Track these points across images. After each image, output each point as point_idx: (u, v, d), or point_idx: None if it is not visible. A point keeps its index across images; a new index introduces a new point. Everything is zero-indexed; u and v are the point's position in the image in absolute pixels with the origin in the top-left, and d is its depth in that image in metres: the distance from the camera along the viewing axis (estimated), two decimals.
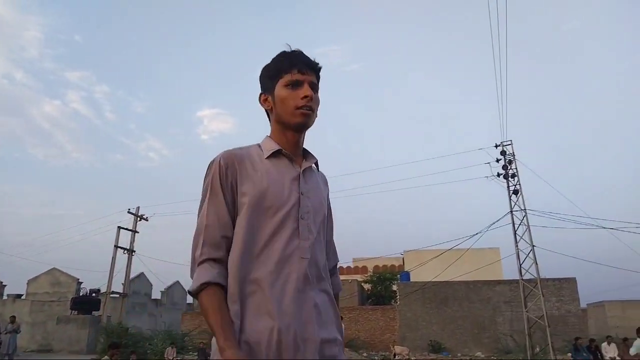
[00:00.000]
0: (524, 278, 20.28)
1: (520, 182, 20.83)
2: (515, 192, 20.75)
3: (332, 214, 1.72)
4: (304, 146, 1.64)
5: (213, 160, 1.50)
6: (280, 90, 1.56)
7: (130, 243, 26.94)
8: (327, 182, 1.74)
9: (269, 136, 1.62)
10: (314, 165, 1.63)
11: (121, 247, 26.40)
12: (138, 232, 27.42)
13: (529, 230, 19.90)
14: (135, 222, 27.41)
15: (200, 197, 1.50)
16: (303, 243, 1.45)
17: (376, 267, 38.15)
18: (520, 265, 20.25)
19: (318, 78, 1.61)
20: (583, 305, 27.67)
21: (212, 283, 1.35)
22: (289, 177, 1.52)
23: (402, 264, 35.39)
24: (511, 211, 20.64)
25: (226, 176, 1.47)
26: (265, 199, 1.44)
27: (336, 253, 1.74)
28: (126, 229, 26.85)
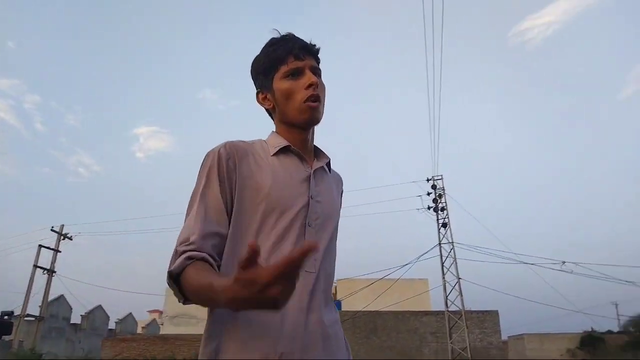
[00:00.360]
0: (449, 309, 20.91)
1: (449, 216, 21.71)
2: (444, 225, 21.58)
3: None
4: (314, 144, 1.46)
5: (212, 150, 1.30)
6: (279, 83, 1.37)
7: (51, 263, 25.45)
8: (341, 181, 1.54)
9: (275, 132, 1.43)
10: (325, 165, 1.44)
11: (41, 267, 24.88)
12: (60, 252, 26.01)
13: (456, 262, 20.68)
14: (58, 240, 26.00)
15: (189, 199, 1.30)
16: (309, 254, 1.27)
17: None
18: (447, 296, 20.91)
19: (318, 61, 1.43)
20: (504, 337, 28.77)
21: (197, 257, 1.13)
22: (298, 177, 1.33)
23: (334, 292, 35.53)
24: (439, 243, 21.39)
25: (226, 168, 1.27)
26: (268, 201, 1.25)
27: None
28: (48, 247, 25.42)
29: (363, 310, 25.86)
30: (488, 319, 26.44)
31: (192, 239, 1.17)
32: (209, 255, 1.16)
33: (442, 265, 21.04)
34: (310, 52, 1.40)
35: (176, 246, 1.18)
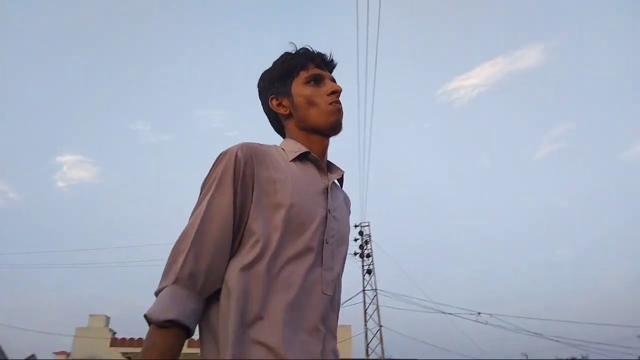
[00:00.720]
0: (370, 357, 20.92)
1: (375, 263, 22.03)
2: (369, 271, 21.84)
3: None
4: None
5: (227, 151, 1.16)
6: (300, 88, 1.31)
7: None
8: (349, 204, 1.41)
9: (290, 138, 1.32)
10: (336, 181, 1.33)
11: None
12: None
13: (378, 310, 20.87)
14: None
15: (198, 195, 1.15)
16: (326, 274, 1.13)
17: None
18: (367, 344, 20.96)
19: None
20: None
21: (179, 324, 0.97)
22: (317, 188, 1.22)
23: None
24: (363, 290, 21.56)
25: (243, 173, 1.12)
26: (290, 212, 1.11)
27: None
28: None
29: None
30: None
31: (188, 261, 1.02)
32: (193, 309, 1.01)
33: (365, 312, 21.17)
34: (329, 65, 1.37)
35: (168, 260, 1.04)
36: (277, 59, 1.37)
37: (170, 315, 0.96)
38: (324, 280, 1.12)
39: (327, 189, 1.24)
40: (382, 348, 20.47)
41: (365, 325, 21.00)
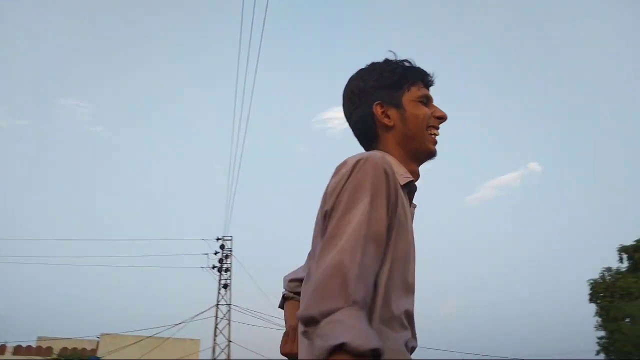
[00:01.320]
0: None
1: (232, 277, 21.85)
2: (225, 286, 21.61)
3: None
4: None
5: (368, 160, 1.03)
6: (413, 105, 1.23)
7: None
8: None
9: (386, 154, 1.16)
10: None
11: None
12: None
13: (229, 325, 20.70)
14: None
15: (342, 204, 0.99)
16: (414, 325, 1.10)
17: (64, 349, 33.75)
18: (214, 359, 20.64)
19: None
20: None
21: (378, 352, 0.81)
22: (409, 215, 1.14)
23: (95, 347, 32.23)
24: (217, 304, 21.26)
25: (395, 197, 1.03)
26: (409, 244, 1.08)
27: None
28: None
29: None
30: None
31: (361, 284, 0.88)
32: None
33: (216, 327, 20.85)
34: (431, 85, 1.30)
35: (331, 283, 0.87)
36: (382, 65, 1.27)
37: (376, 343, 0.81)
38: (414, 332, 1.10)
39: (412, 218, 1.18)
40: None
41: (214, 340, 20.68)
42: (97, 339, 30.58)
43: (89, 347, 34.83)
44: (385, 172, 1.02)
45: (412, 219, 1.16)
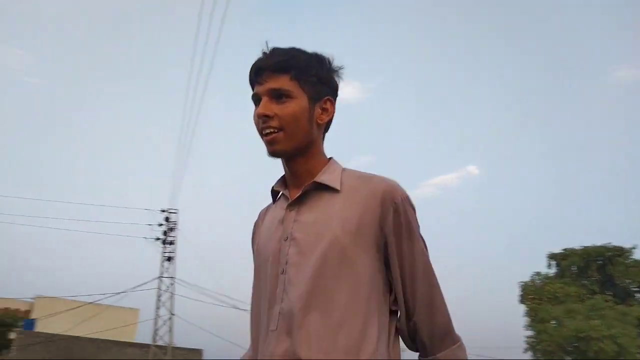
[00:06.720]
0: (157, 344, 20.69)
1: (177, 251, 21.79)
2: (169, 259, 21.54)
3: (402, 243, 1.08)
4: (333, 162, 1.18)
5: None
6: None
7: None
8: (382, 194, 1.07)
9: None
10: (332, 184, 1.10)
11: None
12: None
13: (172, 298, 20.76)
14: None
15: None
16: (276, 308, 1.04)
17: None
18: (155, 330, 20.70)
19: (293, 75, 1.10)
20: None
21: None
22: (275, 222, 1.15)
23: (29, 309, 31.39)
24: (160, 277, 21.22)
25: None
26: (256, 260, 1.20)
27: (435, 316, 1.09)
28: None
29: (61, 334, 23.54)
30: (192, 356, 26.83)
31: None
32: None
33: (159, 299, 20.87)
34: (273, 69, 1.10)
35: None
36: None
37: None
38: (272, 316, 1.05)
39: (284, 214, 1.13)
40: (171, 336, 20.44)
41: (157, 312, 20.72)
42: (31, 300, 29.76)
43: (22, 309, 33.79)
44: None
45: (284, 208, 1.13)
